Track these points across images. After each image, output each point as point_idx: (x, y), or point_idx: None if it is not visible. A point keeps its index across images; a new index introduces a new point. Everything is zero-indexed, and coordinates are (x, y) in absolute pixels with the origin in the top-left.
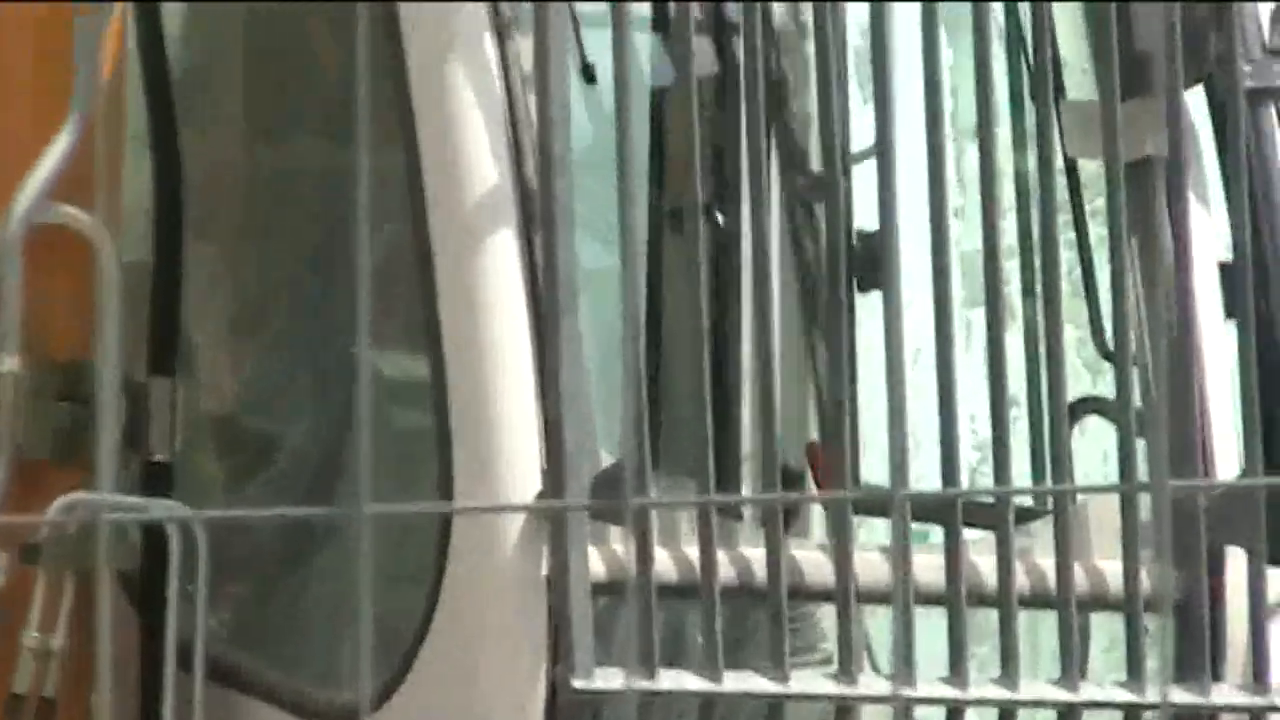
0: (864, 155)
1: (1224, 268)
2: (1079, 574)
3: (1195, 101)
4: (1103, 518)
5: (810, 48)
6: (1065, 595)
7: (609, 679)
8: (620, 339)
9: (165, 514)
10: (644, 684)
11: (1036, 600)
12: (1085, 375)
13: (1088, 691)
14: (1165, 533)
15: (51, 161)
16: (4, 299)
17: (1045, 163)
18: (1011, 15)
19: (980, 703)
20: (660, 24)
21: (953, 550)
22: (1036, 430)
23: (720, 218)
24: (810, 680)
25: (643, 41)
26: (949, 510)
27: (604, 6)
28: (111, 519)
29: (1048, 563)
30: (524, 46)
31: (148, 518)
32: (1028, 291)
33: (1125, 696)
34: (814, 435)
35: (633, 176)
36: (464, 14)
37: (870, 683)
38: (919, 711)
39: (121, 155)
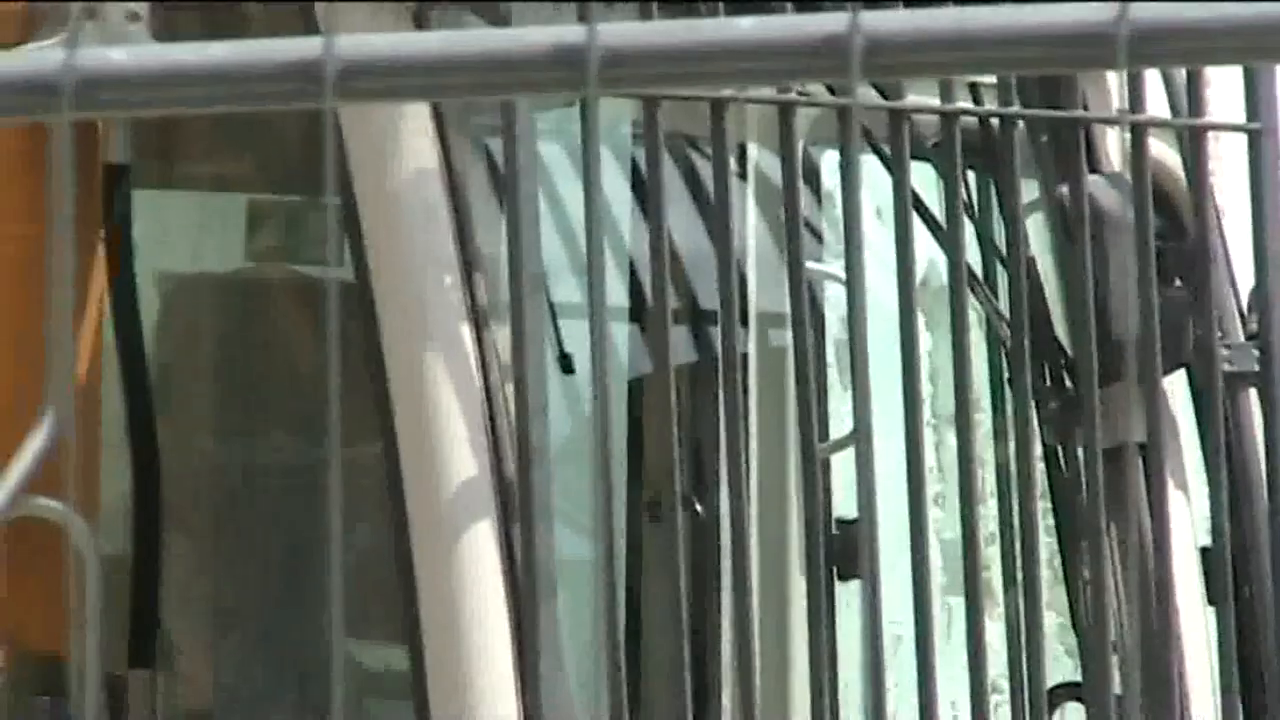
0: (842, 443)
1: (1204, 553)
2: None
3: (1175, 387)
4: None
5: (787, 335)
6: None
7: None
8: (600, 634)
9: None
10: None
11: None
12: (1067, 661)
13: None
14: None
15: (29, 456)
16: None
17: (1023, 449)
18: (989, 302)
19: None
20: (636, 314)
21: None
22: (1017, 717)
23: (699, 508)
24: None
25: (620, 331)
26: None
27: (580, 296)
28: None
29: None
30: (501, 336)
31: None
32: (1007, 578)
33: None
34: None
35: (610, 465)
36: (441, 304)
37: None
38: None
39: (99, 448)
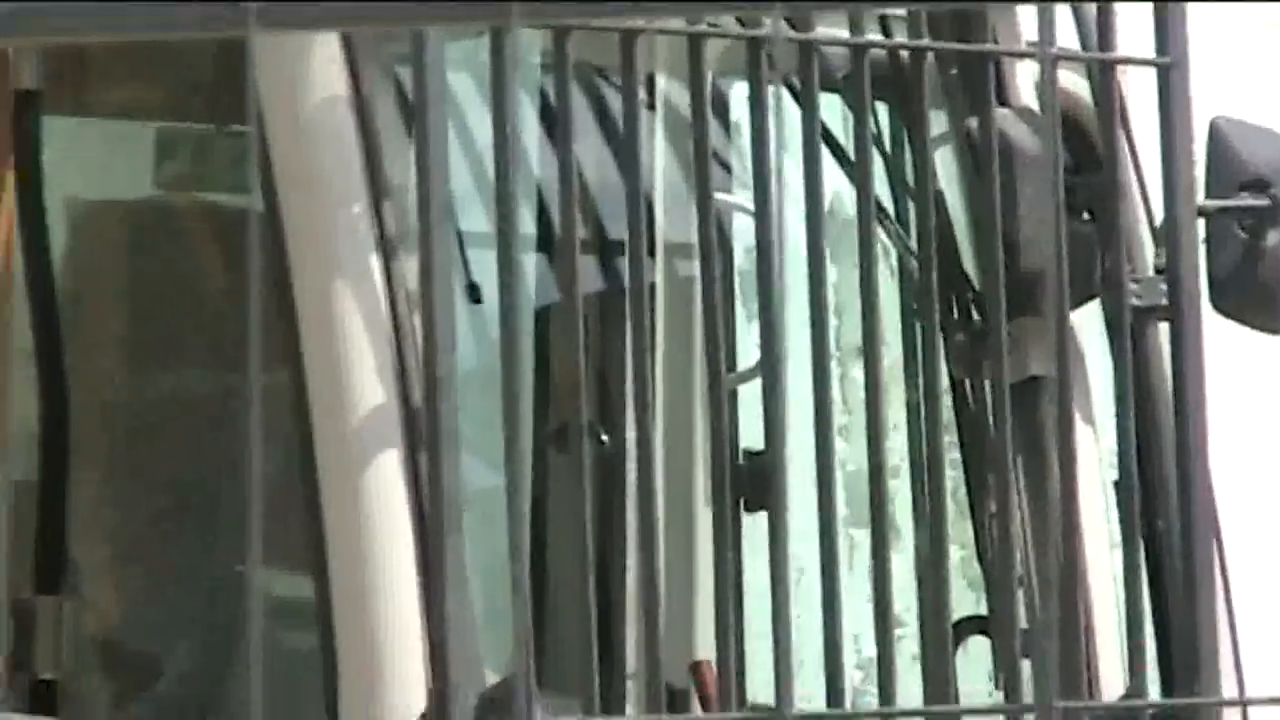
0: (749, 375)
1: (1116, 486)
2: None
3: (1084, 321)
4: None
5: (694, 266)
6: None
7: None
8: (505, 559)
9: None
10: None
11: None
12: (970, 595)
13: None
14: None
15: None
16: None
17: (930, 383)
18: (897, 236)
19: None
20: (544, 243)
21: None
22: (923, 649)
23: (604, 438)
24: None
25: (528, 261)
26: None
27: (488, 225)
28: None
29: None
30: (409, 265)
31: None
32: (916, 511)
33: None
34: (699, 654)
35: (518, 394)
36: (350, 233)
37: None
38: None
39: (7, 374)
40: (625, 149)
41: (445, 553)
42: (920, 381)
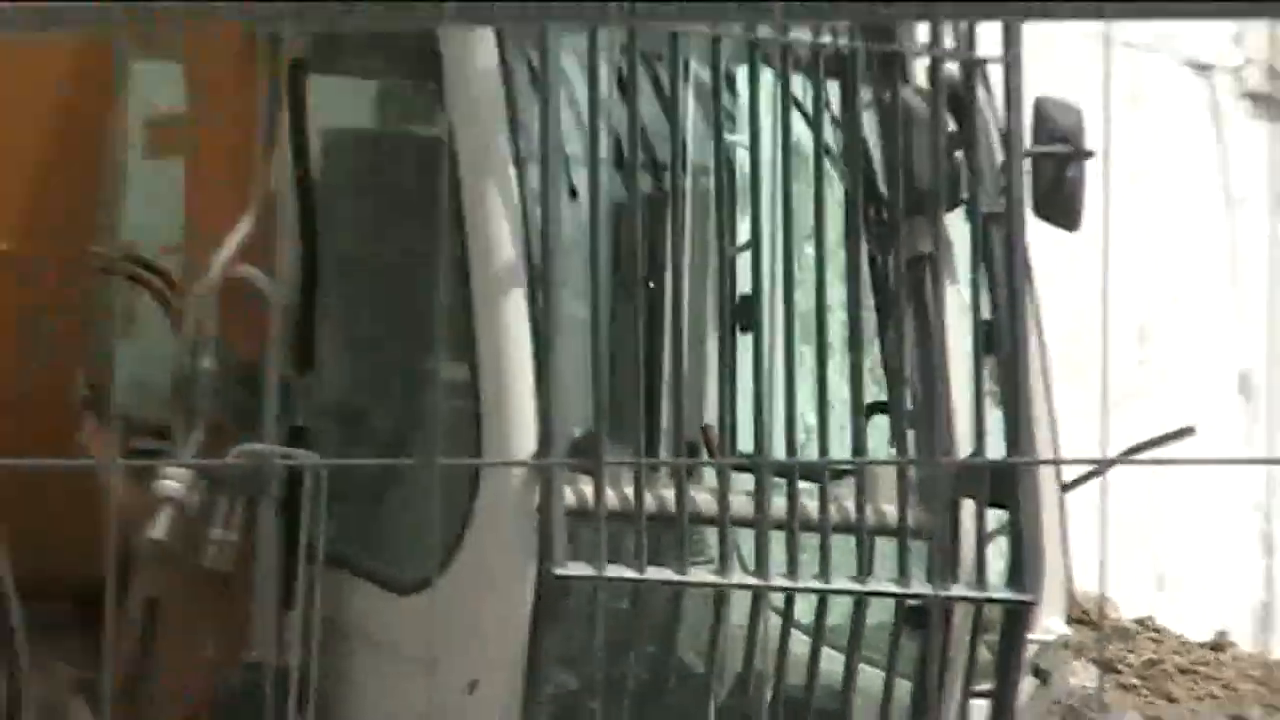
0: (742, 249)
1: (987, 324)
2: (870, 513)
3: (955, 221)
4: (882, 477)
5: (709, 180)
6: (860, 525)
7: (576, 569)
8: (589, 360)
9: (305, 459)
10: (597, 572)
11: (840, 528)
12: (874, 389)
13: (872, 585)
14: (941, 491)
15: (238, 235)
16: (204, 325)
17: (852, 255)
18: (840, 169)
19: (806, 590)
20: (618, 163)
21: (792, 496)
22: (854, 423)
23: (652, 284)
24: (699, 574)
25: (608, 173)
26: (790, 470)
27: (581, 152)
28: (273, 462)
29: (850, 504)
30: (533, 173)
31: (294, 461)
32: (852, 341)
33: (896, 590)
34: (707, 420)
35: (599, 257)
36: (497, 151)
37: (738, 577)
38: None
39: (289, 233)
40: (670, 106)
41: (551, 350)
42: (849, 257)
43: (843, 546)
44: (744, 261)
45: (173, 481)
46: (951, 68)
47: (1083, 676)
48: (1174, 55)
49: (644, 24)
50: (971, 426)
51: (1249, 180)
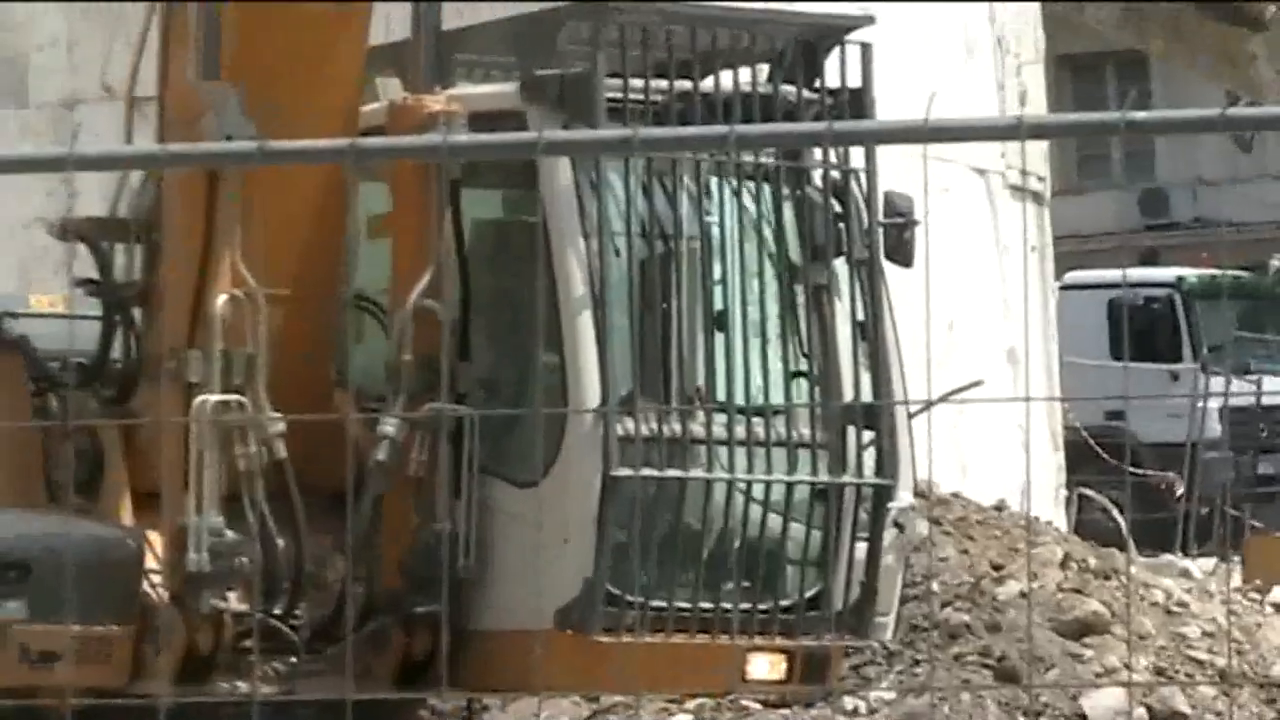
0: (717, 282)
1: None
2: (795, 435)
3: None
4: (802, 415)
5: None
6: (789, 442)
7: (624, 472)
8: (630, 350)
9: (465, 411)
10: (644, 472)
11: (778, 444)
12: (798, 363)
13: (797, 476)
14: (836, 421)
15: (422, 283)
16: (404, 335)
17: (791, 300)
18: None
19: (760, 480)
20: (643, 233)
21: (748, 427)
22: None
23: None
24: (696, 473)
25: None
26: (748, 411)
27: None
28: (445, 414)
29: (784, 430)
30: (593, 241)
31: (459, 411)
32: (782, 333)
33: (810, 479)
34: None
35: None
36: (572, 234)
37: (720, 474)
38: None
39: (452, 280)
40: (672, 200)
41: (608, 345)
42: (780, 286)
43: (779, 456)
44: (718, 290)
45: (389, 426)
46: (835, 174)
47: (921, 528)
48: (965, 163)
49: (651, 151)
50: (852, 383)
51: (1011, 236)
